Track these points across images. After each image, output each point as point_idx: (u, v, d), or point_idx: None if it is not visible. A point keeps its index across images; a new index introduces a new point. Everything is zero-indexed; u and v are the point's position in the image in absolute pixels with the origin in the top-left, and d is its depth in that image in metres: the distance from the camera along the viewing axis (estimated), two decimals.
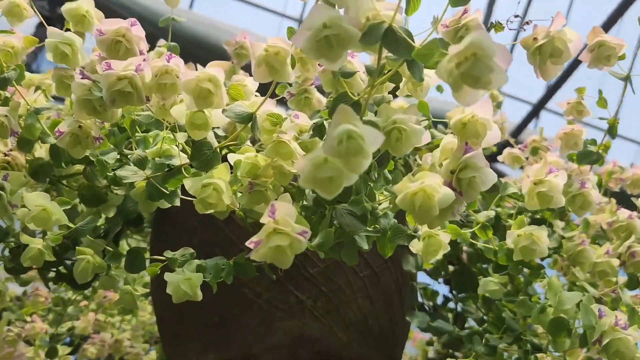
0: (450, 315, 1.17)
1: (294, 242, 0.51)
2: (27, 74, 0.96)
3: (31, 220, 0.63)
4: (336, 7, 0.50)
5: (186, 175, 0.69)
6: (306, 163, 0.46)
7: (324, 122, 0.61)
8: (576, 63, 3.41)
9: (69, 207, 0.68)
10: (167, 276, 0.68)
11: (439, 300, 1.22)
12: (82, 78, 0.62)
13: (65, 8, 0.79)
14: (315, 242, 0.57)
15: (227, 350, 0.94)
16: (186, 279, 0.68)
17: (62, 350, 1.32)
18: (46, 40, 0.74)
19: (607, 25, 3.06)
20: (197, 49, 2.68)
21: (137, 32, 0.65)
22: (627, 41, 0.70)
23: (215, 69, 0.57)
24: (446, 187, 0.50)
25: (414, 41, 0.48)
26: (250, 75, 1.26)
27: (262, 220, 0.53)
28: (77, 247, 0.68)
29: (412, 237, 0.62)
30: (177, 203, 0.71)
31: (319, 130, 0.62)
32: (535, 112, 3.88)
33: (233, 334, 0.94)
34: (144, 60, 0.60)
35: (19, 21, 0.75)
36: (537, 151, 0.95)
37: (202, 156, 0.63)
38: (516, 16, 0.51)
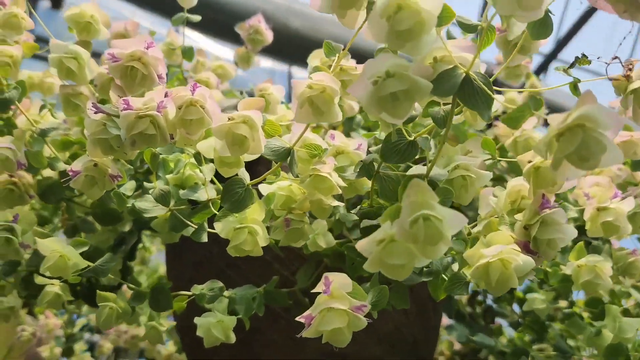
0: (478, 309, 1.13)
1: (353, 320, 0.45)
2: (25, 72, 0.88)
3: (47, 270, 0.57)
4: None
5: (214, 210, 0.62)
6: (370, 243, 0.40)
7: (373, 161, 0.54)
8: (586, 16, 3.30)
9: (85, 248, 0.61)
10: (198, 320, 0.63)
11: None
12: (95, 112, 0.55)
13: (67, 14, 0.70)
14: (368, 299, 0.51)
15: None
16: (218, 322, 0.63)
17: (80, 347, 1.30)
18: (49, 55, 0.66)
19: None
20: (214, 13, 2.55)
21: (155, 53, 0.57)
22: None
23: (252, 111, 0.50)
24: (525, 256, 0.44)
25: (492, 90, 0.41)
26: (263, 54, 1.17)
27: (315, 290, 0.47)
28: (98, 292, 0.62)
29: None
30: (205, 239, 0.64)
31: (366, 169, 0.55)
32: (544, 65, 3.78)
33: (260, 350, 0.89)
34: (166, 95, 0.53)
35: (18, 33, 0.67)
36: None
37: (234, 196, 0.56)
38: (614, 58, 0.43)
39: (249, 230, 0.57)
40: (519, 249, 0.44)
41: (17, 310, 0.94)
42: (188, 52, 0.82)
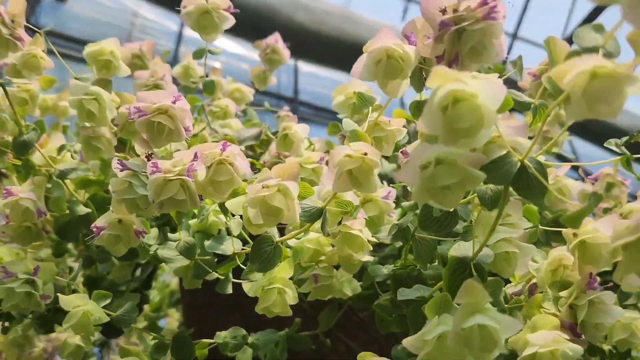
0: None
1: None
2: (40, 96, 0.85)
3: (71, 328, 0.56)
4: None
5: (239, 262, 0.60)
6: (419, 341, 0.38)
7: (409, 226, 0.52)
8: (592, 16, 3.29)
9: (108, 301, 0.60)
10: None
11: None
12: (121, 170, 0.53)
13: (87, 51, 0.68)
14: None
15: None
16: None
17: None
18: (69, 98, 0.64)
19: None
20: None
21: (182, 105, 0.55)
22: None
23: (288, 182, 0.48)
24: (572, 345, 0.42)
25: (547, 178, 0.39)
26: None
27: None
28: (120, 345, 0.61)
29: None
30: (229, 290, 0.63)
31: (401, 234, 0.53)
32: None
33: None
34: (195, 156, 0.51)
35: (38, 74, 0.64)
36: (612, 187, 0.85)
37: (263, 254, 0.54)
38: None
39: (278, 291, 0.55)
40: (567, 336, 0.43)
41: (32, 338, 0.94)
42: (209, 86, 0.80)
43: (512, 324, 0.35)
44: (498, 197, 0.42)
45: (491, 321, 0.34)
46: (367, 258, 0.59)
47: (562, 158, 1.08)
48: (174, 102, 0.54)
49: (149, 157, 0.55)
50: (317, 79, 4.21)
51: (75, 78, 0.65)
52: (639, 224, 0.32)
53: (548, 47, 0.39)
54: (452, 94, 0.34)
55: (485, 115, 0.34)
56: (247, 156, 0.85)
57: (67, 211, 0.67)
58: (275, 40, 1.05)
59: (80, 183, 0.70)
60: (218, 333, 0.67)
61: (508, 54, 0.61)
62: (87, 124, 0.66)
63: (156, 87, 0.77)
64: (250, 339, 0.68)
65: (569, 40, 0.44)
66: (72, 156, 0.72)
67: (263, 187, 0.47)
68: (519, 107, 0.42)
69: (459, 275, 0.42)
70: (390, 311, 0.58)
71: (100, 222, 0.56)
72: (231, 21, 0.70)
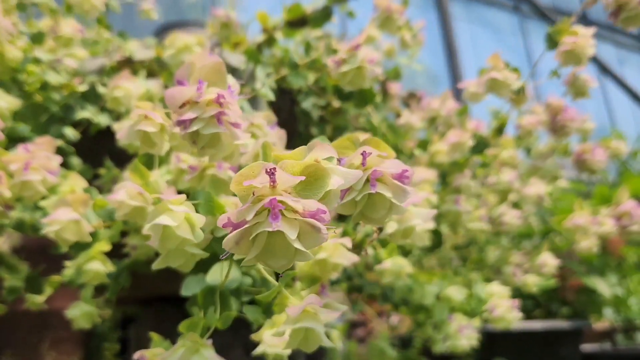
0: None
1: None
2: None
3: None
4: None
5: None
6: None
7: None
8: None
9: None
10: (69, 312, 0.76)
11: None
12: None
13: None
14: None
15: (139, 290, 1.05)
16: (85, 313, 0.76)
17: None
18: None
19: None
20: None
21: None
22: None
23: (82, 210, 0.56)
24: None
25: None
26: None
27: None
28: None
29: None
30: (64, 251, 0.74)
31: None
32: None
33: (144, 279, 1.04)
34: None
35: None
36: None
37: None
38: None
39: (94, 271, 0.67)
40: None
41: None
42: (37, 37, 0.79)
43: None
44: None
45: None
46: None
47: None
48: None
49: None
50: None
51: None
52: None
53: (264, 151, 0.47)
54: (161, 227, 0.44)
55: (186, 240, 0.44)
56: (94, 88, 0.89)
57: None
58: None
59: None
60: (65, 271, 0.79)
61: None
62: None
63: None
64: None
65: None
66: None
67: (53, 222, 0.56)
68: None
69: (209, 299, 0.55)
70: None
71: None
72: None
